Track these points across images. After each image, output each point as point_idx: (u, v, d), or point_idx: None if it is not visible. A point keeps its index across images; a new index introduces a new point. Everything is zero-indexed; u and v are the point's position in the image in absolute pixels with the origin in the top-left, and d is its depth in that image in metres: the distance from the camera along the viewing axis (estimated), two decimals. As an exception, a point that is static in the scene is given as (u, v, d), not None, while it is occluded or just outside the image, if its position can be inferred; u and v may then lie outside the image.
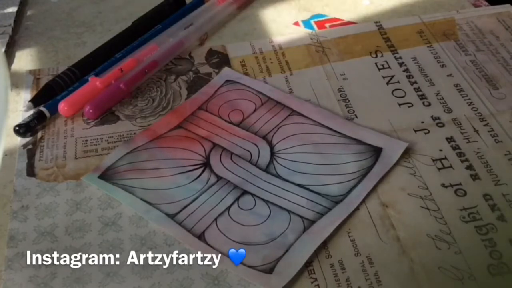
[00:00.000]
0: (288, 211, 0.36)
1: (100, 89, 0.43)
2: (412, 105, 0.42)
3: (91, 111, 0.42)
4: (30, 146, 0.40)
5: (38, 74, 0.46)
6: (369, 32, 0.49)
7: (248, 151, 0.39)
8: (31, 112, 0.42)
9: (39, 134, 0.41)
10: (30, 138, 0.41)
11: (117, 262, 0.33)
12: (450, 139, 0.40)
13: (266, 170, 0.38)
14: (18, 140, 0.40)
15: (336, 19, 0.51)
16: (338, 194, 0.36)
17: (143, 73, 0.44)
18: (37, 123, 0.41)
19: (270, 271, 0.32)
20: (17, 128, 0.40)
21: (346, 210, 0.35)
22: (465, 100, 0.43)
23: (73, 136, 0.41)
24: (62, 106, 0.41)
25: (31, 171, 0.38)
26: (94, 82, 0.43)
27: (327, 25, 0.50)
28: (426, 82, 0.44)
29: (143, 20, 0.49)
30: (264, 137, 0.40)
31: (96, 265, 0.33)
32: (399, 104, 0.43)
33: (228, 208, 0.36)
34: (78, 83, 0.43)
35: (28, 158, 0.39)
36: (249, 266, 0.33)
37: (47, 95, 0.42)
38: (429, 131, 0.40)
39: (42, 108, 0.41)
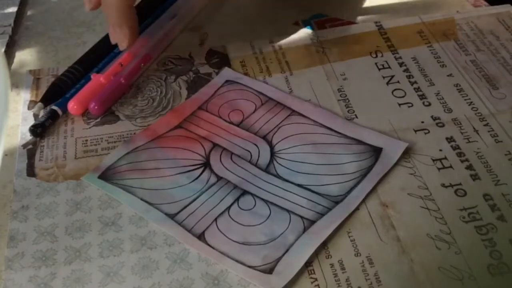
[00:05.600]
0: (288, 211, 0.36)
1: (105, 85, 0.43)
2: (412, 105, 0.42)
3: (96, 107, 0.42)
4: (30, 146, 0.40)
5: (38, 74, 0.46)
6: (369, 32, 0.49)
7: (248, 151, 0.39)
8: (31, 112, 0.42)
9: (39, 134, 0.41)
10: (31, 138, 0.41)
11: (117, 262, 0.33)
12: (450, 139, 0.40)
13: (266, 170, 0.38)
14: (18, 140, 0.40)
15: (336, 19, 0.51)
16: (338, 194, 0.36)
17: (138, 66, 0.45)
18: (52, 122, 0.41)
19: (270, 271, 0.32)
20: (32, 128, 0.40)
21: (346, 210, 0.35)
22: (465, 100, 0.43)
23: (73, 136, 0.41)
24: (72, 105, 0.42)
25: (31, 171, 0.38)
26: (98, 79, 0.43)
27: (327, 25, 0.50)
28: (426, 82, 0.44)
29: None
30: (264, 137, 0.40)
31: (96, 265, 0.33)
32: (399, 104, 0.43)
33: (228, 208, 0.36)
34: (84, 80, 0.44)
35: (28, 158, 0.39)
36: (249, 266, 0.33)
37: (55, 95, 0.43)
38: (429, 131, 0.40)
39: (54, 107, 0.42)
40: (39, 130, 0.40)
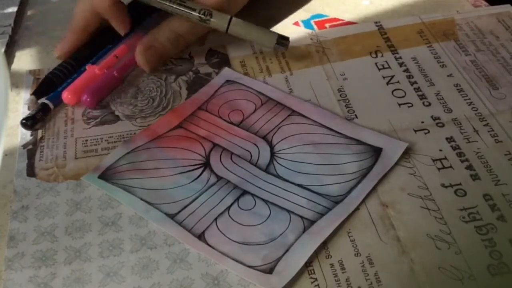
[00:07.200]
0: (288, 211, 0.36)
1: (99, 76, 0.43)
2: (412, 105, 0.42)
3: (88, 99, 0.42)
4: (30, 146, 0.40)
5: (38, 74, 0.46)
6: (369, 32, 0.49)
7: (248, 151, 0.39)
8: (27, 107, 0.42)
9: (39, 134, 0.41)
10: (31, 138, 0.41)
11: (117, 262, 0.33)
12: (450, 139, 0.40)
13: (266, 170, 0.38)
14: (18, 140, 0.40)
15: (336, 19, 0.51)
16: (338, 194, 0.36)
17: (132, 59, 0.45)
18: (43, 115, 0.41)
19: (270, 271, 0.32)
20: (24, 121, 0.41)
21: (346, 210, 0.35)
22: (465, 100, 0.43)
23: (73, 136, 0.41)
24: (66, 95, 0.42)
25: (31, 171, 0.38)
26: (93, 70, 0.44)
27: (327, 25, 0.50)
28: (426, 82, 0.44)
29: (131, 9, 0.48)
30: (264, 137, 0.40)
31: (96, 265, 0.33)
32: (399, 104, 0.43)
33: (228, 208, 0.36)
34: (76, 74, 0.44)
35: (28, 158, 0.39)
36: (249, 266, 0.33)
37: (48, 88, 0.43)
38: (429, 131, 0.40)
39: (45, 100, 0.42)
40: (30, 122, 0.41)
